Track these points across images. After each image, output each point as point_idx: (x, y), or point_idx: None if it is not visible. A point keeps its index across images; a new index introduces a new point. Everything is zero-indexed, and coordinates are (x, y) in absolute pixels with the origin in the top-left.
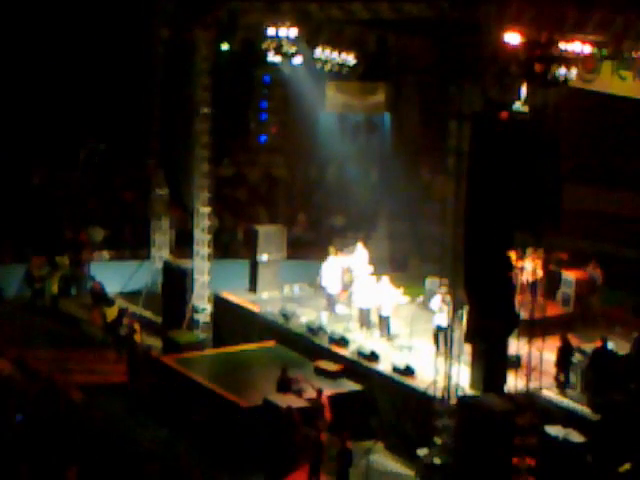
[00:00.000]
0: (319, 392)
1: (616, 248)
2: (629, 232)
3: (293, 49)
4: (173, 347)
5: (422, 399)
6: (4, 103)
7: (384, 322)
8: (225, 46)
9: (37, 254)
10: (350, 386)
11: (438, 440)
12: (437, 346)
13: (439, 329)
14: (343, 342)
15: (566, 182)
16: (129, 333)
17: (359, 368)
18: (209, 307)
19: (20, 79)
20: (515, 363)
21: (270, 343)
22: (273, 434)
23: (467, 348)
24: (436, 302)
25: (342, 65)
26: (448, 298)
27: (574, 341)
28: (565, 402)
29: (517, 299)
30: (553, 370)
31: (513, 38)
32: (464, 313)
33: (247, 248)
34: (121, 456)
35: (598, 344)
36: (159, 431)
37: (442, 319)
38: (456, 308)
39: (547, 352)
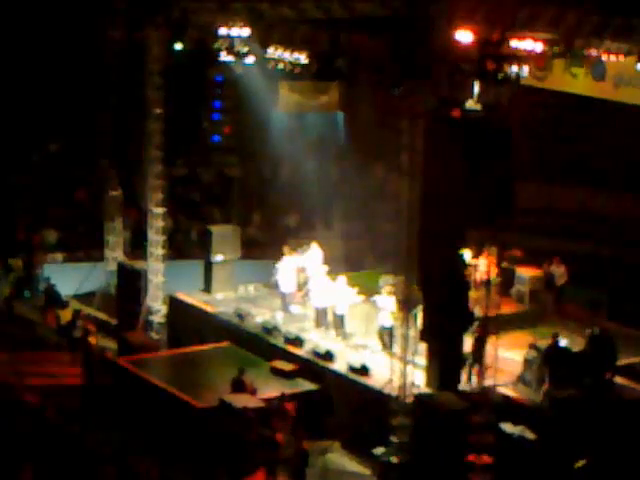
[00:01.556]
0: (282, 396)
1: (572, 244)
2: (584, 228)
3: (245, 49)
4: (128, 349)
5: (378, 398)
6: None
7: (339, 321)
8: (178, 46)
9: None
10: (306, 386)
11: (394, 439)
12: (383, 345)
13: (383, 328)
14: (298, 342)
15: (519, 179)
16: (83, 335)
17: (315, 367)
18: (164, 308)
19: None
20: (470, 361)
21: (225, 343)
22: (229, 434)
23: (422, 346)
24: (380, 301)
25: (294, 64)
26: (392, 297)
27: (528, 338)
28: (520, 398)
29: (471, 296)
30: (508, 367)
31: (465, 36)
32: (418, 311)
33: (201, 248)
34: (76, 458)
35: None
36: (114, 433)
37: (386, 318)
38: (410, 306)
39: (502, 349)
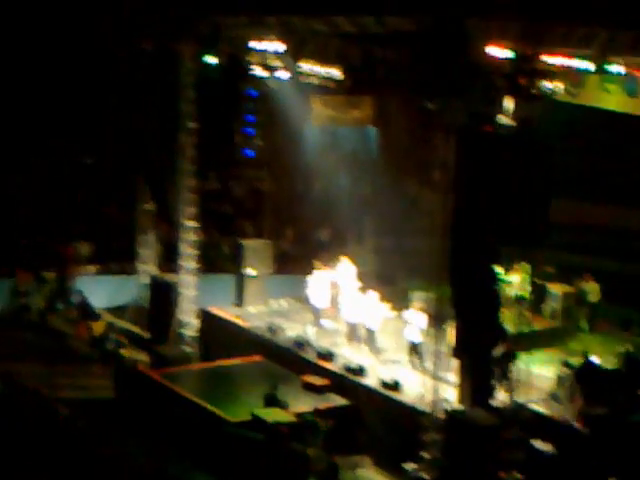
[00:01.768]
0: (316, 411)
1: (604, 261)
2: (617, 246)
3: (278, 63)
4: (160, 362)
5: (409, 413)
6: None
7: (371, 336)
8: (211, 59)
9: (23, 269)
10: (337, 401)
11: (426, 454)
12: (412, 361)
13: (412, 344)
14: (330, 356)
15: (553, 196)
16: (115, 348)
17: (346, 382)
18: (196, 321)
19: (4, 94)
20: (502, 377)
21: (257, 357)
22: (261, 449)
23: (454, 362)
24: (409, 316)
25: (327, 79)
26: (421, 312)
27: (560, 355)
28: (552, 416)
29: (504, 313)
30: (540, 384)
31: (498, 52)
32: (450, 327)
33: (233, 262)
34: (107, 472)
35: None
36: (146, 446)
37: (415, 334)
38: (441, 322)
39: (534, 366)
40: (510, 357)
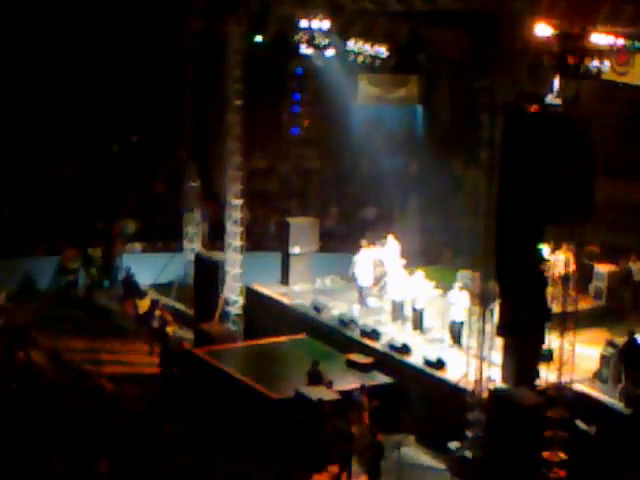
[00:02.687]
0: (362, 388)
1: None
2: None
3: (325, 41)
4: (204, 339)
5: (453, 392)
6: (38, 94)
7: (417, 315)
8: (258, 38)
9: (70, 246)
10: (381, 379)
11: (469, 433)
12: (453, 340)
13: (454, 323)
14: (375, 335)
15: (598, 175)
16: (161, 325)
17: (390, 361)
18: (241, 299)
19: (53, 72)
20: (547, 357)
21: (301, 336)
22: (304, 426)
23: (498, 341)
24: (452, 296)
25: (374, 57)
26: (464, 291)
27: (606, 335)
28: (597, 395)
29: (549, 292)
30: (584, 364)
31: (545, 30)
32: (495, 306)
33: (279, 240)
34: (151, 448)
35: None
36: (190, 423)
37: (457, 313)
38: (486, 301)
39: (579, 345)
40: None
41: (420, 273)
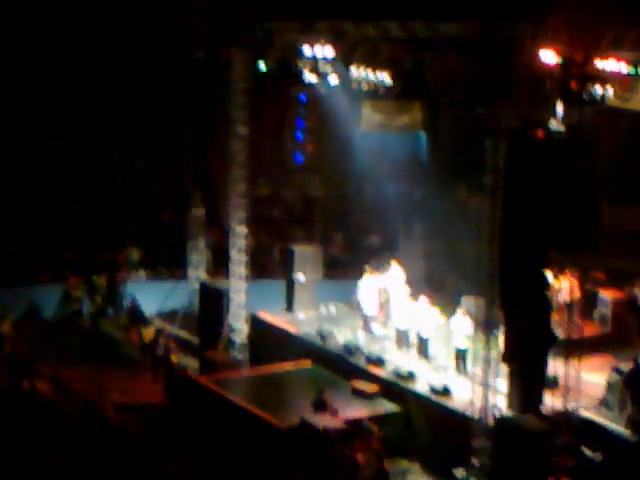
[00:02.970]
0: (364, 420)
1: None
2: None
3: (329, 68)
4: (209, 367)
5: (459, 419)
6: (41, 125)
7: (423, 343)
8: (261, 65)
9: (74, 274)
10: (387, 406)
11: (475, 461)
12: (458, 367)
13: (458, 351)
14: (380, 362)
15: (603, 201)
16: (166, 353)
17: (396, 388)
18: (245, 327)
19: (59, 97)
20: (552, 383)
21: (306, 363)
22: (310, 454)
23: (504, 368)
24: (455, 322)
25: (378, 84)
26: (467, 318)
27: (611, 361)
28: (602, 422)
29: (554, 318)
30: (590, 390)
31: (549, 56)
32: (500, 333)
33: (283, 268)
34: (157, 476)
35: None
36: (195, 451)
37: (460, 340)
38: (491, 328)
39: (584, 372)
40: None
41: (424, 299)
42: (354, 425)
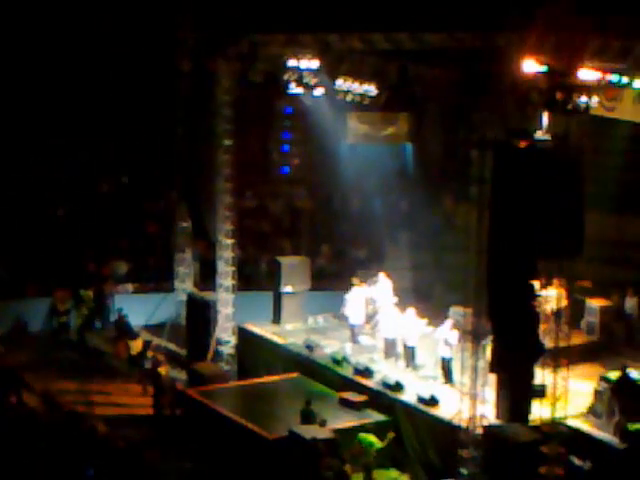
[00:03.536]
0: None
1: None
2: None
3: (314, 80)
4: (197, 379)
5: (447, 429)
6: (25, 137)
7: (410, 352)
8: (248, 77)
9: (61, 288)
10: (375, 417)
11: (464, 470)
12: (445, 377)
13: (444, 360)
14: (368, 373)
15: (589, 210)
16: (153, 366)
17: (384, 399)
18: (233, 339)
19: (44, 113)
20: (540, 392)
21: (294, 374)
22: (298, 465)
23: (492, 378)
24: (441, 332)
25: (363, 96)
26: (453, 328)
27: (599, 370)
28: (591, 431)
29: (541, 328)
30: (578, 399)
31: (533, 67)
32: (487, 343)
33: (271, 280)
34: None
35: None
36: (184, 464)
37: (446, 350)
38: (478, 338)
39: (572, 381)
40: None
41: (411, 310)
42: (358, 440)
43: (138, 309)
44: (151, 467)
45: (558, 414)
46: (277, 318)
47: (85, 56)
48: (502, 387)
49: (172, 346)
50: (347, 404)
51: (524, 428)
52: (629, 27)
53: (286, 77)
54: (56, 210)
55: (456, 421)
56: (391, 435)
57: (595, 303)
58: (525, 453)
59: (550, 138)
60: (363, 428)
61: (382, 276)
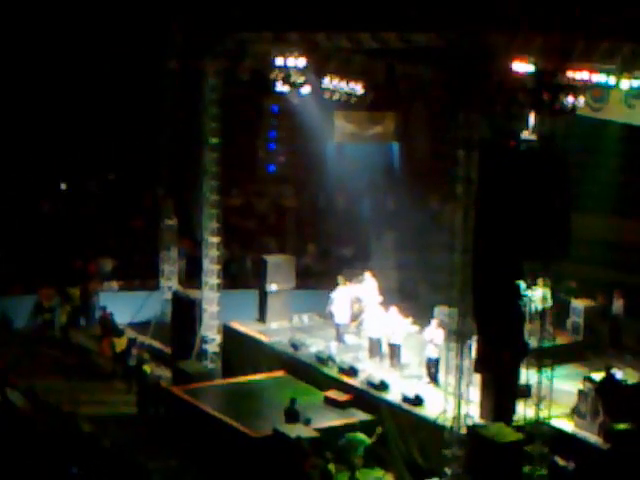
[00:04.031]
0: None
1: (626, 276)
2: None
3: (301, 79)
4: (182, 378)
5: (432, 429)
6: (13, 134)
7: (395, 351)
8: (235, 76)
9: (46, 285)
10: (360, 416)
11: (448, 470)
12: (430, 377)
13: (429, 360)
14: (352, 372)
15: (575, 210)
16: (138, 364)
17: (369, 398)
18: (218, 337)
19: (29, 110)
20: (525, 392)
21: (279, 373)
22: (283, 464)
23: (476, 378)
24: (428, 333)
25: (350, 94)
26: (439, 328)
27: (583, 370)
28: (575, 431)
29: (526, 328)
30: (562, 399)
31: (521, 67)
32: (472, 342)
33: (256, 278)
34: None
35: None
36: (169, 462)
37: (432, 350)
38: (463, 337)
39: (557, 381)
40: None
41: (394, 310)
42: (348, 438)
43: (123, 307)
44: (136, 465)
45: (542, 414)
46: (262, 316)
47: (73, 54)
48: (487, 387)
49: (157, 344)
50: (332, 403)
51: (508, 428)
52: (616, 28)
53: (273, 75)
54: (41, 207)
55: (440, 421)
56: (379, 430)
57: (580, 303)
58: (509, 453)
59: (537, 138)
60: (348, 427)
61: (367, 275)
